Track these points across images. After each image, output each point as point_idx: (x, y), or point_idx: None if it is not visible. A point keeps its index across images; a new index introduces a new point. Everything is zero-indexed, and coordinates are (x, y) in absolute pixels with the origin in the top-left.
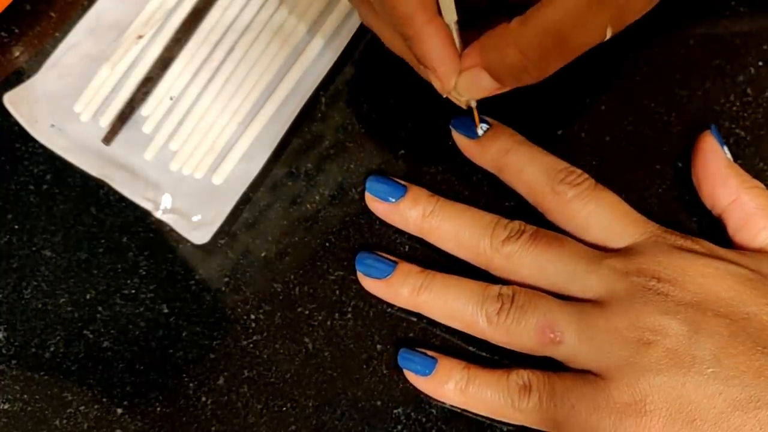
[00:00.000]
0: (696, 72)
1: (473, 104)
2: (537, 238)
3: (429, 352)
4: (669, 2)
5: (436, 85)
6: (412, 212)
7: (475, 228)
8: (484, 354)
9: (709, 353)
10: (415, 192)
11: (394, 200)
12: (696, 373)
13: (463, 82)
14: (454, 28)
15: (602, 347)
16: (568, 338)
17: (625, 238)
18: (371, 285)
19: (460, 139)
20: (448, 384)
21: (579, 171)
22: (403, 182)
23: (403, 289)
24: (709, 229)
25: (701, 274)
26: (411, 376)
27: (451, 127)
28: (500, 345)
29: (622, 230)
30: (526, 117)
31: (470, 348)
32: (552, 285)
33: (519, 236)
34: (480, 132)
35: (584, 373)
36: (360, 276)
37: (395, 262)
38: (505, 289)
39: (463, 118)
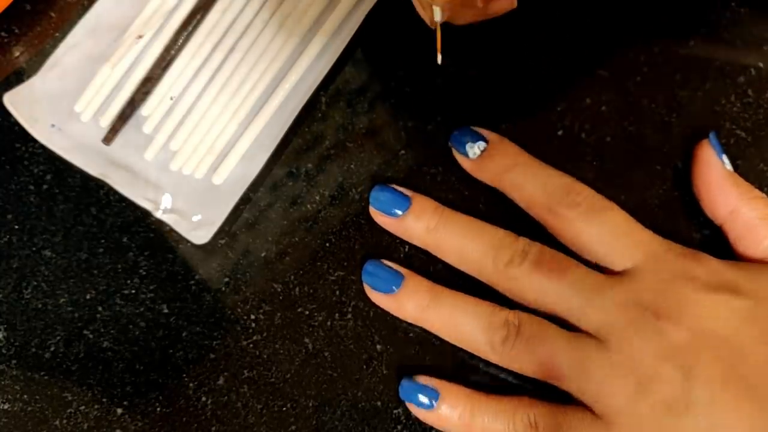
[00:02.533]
0: (696, 72)
1: (438, 18)
2: (541, 263)
3: (432, 383)
4: (669, 2)
5: None
6: (417, 226)
7: (479, 246)
8: (490, 371)
9: (703, 400)
10: (420, 204)
11: (399, 212)
12: (690, 420)
13: None
14: None
15: (601, 389)
16: (569, 375)
17: (626, 260)
18: (377, 298)
19: (459, 157)
20: (452, 416)
21: (579, 187)
22: (407, 192)
23: (409, 305)
24: (710, 229)
25: (699, 309)
26: (414, 409)
27: (450, 144)
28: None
29: (623, 251)
30: (526, 117)
31: (473, 361)
32: (553, 312)
33: (523, 260)
34: (475, 145)
35: (587, 409)
36: (366, 288)
37: (403, 275)
38: (512, 317)
39: (461, 135)
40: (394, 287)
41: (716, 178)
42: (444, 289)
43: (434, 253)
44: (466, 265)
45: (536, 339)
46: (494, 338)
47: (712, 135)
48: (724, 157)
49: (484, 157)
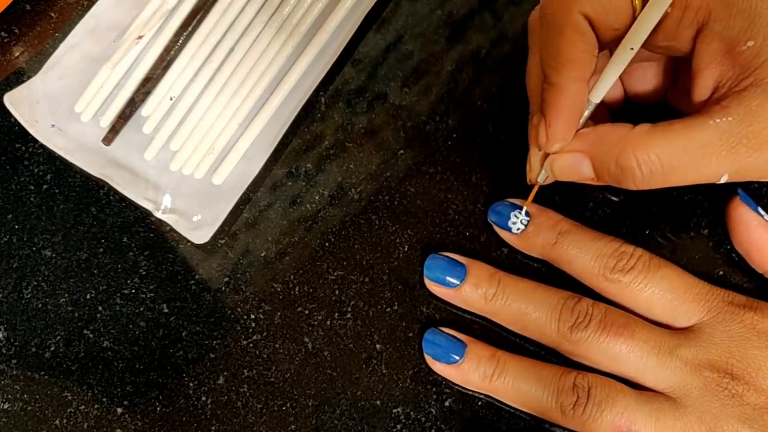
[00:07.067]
0: None
1: (540, 181)
2: (606, 325)
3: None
4: None
5: (541, 138)
6: (474, 296)
7: (540, 312)
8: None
9: None
10: (476, 273)
11: (455, 282)
12: None
13: (562, 160)
14: (590, 107)
15: None
16: None
17: (689, 317)
18: (440, 368)
19: (503, 233)
20: None
21: (630, 250)
22: (461, 260)
23: (474, 375)
24: (710, 228)
25: None
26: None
27: (490, 222)
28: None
29: (685, 309)
30: (525, 114)
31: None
32: (622, 373)
33: (587, 323)
34: (518, 219)
35: None
36: (427, 358)
37: (465, 344)
38: (581, 380)
39: (499, 211)
40: (456, 357)
41: (760, 235)
42: (507, 354)
43: (494, 320)
44: (528, 331)
45: (608, 402)
46: (564, 402)
47: (741, 192)
48: (760, 210)
49: (529, 233)
